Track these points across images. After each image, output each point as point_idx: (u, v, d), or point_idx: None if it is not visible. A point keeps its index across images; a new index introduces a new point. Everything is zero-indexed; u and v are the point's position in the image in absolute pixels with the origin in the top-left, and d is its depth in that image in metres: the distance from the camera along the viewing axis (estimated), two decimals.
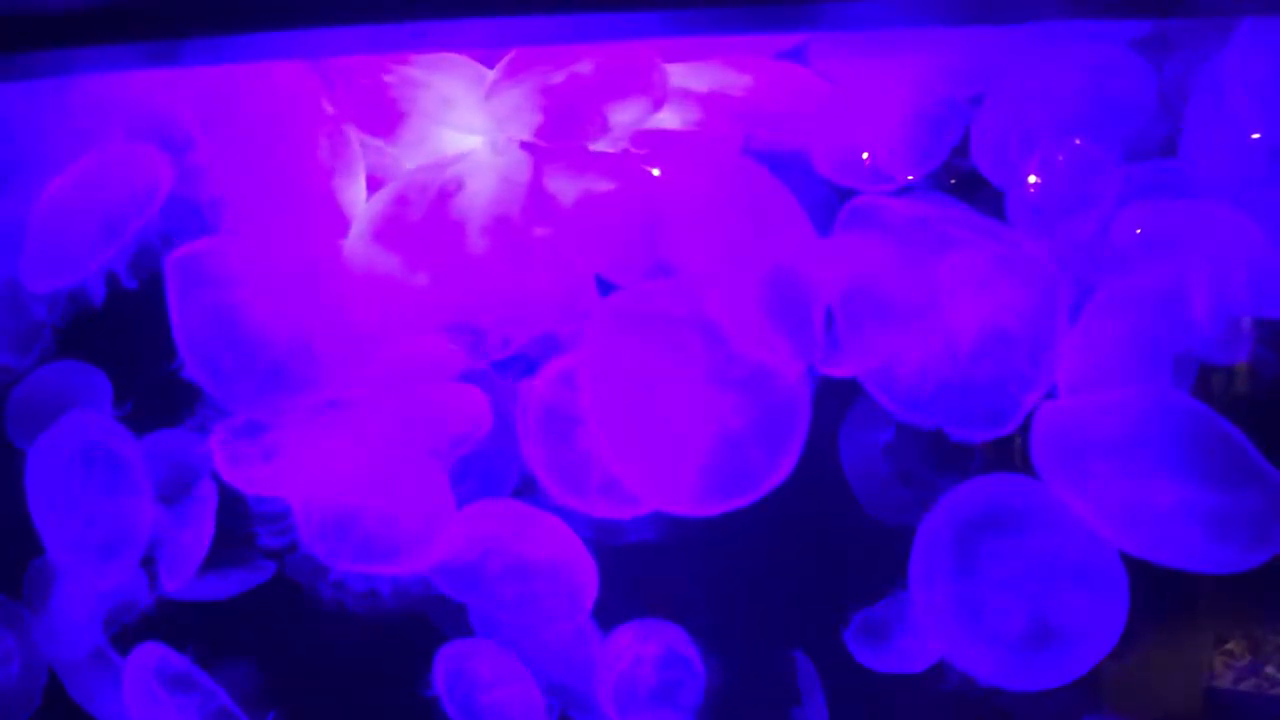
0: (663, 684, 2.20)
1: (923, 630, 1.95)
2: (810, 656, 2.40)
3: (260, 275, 2.01)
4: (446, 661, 2.25)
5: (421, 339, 2.07)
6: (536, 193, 2.04)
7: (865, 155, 2.10)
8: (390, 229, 2.05)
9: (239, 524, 2.18)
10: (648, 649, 2.20)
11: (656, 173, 2.06)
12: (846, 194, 2.04)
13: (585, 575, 2.12)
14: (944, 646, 1.92)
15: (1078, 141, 2.03)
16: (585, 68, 1.98)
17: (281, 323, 2.01)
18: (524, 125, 2.02)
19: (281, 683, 2.56)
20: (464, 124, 2.12)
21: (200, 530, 2.20)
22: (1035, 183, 2.03)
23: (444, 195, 2.03)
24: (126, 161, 2.05)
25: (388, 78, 2.12)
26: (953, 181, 2.13)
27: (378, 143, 2.19)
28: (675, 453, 1.92)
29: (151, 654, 2.25)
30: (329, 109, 2.13)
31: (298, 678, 2.57)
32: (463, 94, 2.10)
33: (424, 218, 2.05)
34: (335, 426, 2.03)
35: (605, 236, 2.02)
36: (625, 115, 2.01)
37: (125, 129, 2.12)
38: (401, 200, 2.06)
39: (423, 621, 2.28)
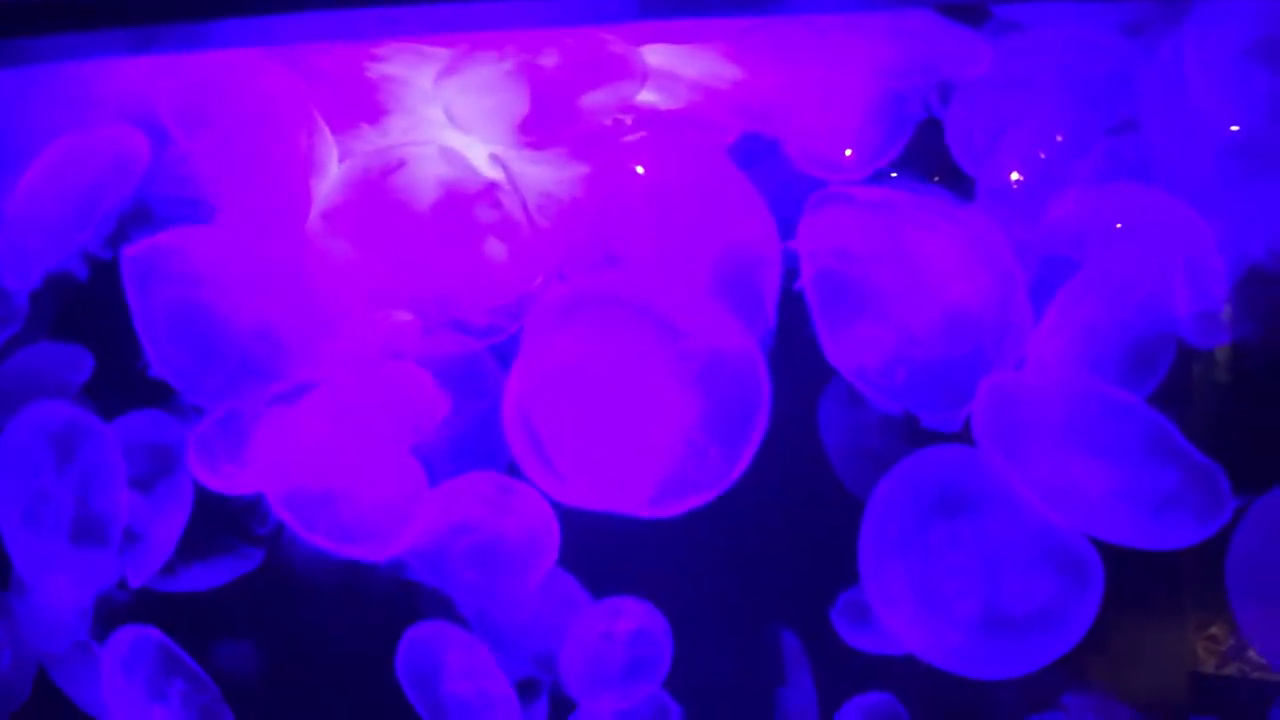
0: (633, 661, 2.21)
1: (880, 615, 1.95)
2: (796, 636, 2.40)
3: (220, 267, 2.02)
4: (412, 646, 2.26)
5: (381, 321, 2.08)
6: (484, 179, 2.05)
7: (848, 151, 2.09)
8: (338, 211, 2.06)
9: (223, 512, 2.20)
10: (620, 625, 2.20)
11: (640, 170, 2.05)
12: (815, 181, 2.04)
13: (548, 540, 2.11)
14: (902, 633, 1.92)
15: (1059, 139, 2.02)
16: (548, 56, 1.99)
17: (243, 314, 2.02)
18: (475, 111, 2.02)
19: (270, 670, 2.58)
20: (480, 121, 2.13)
21: (175, 515, 2.22)
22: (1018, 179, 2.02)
23: (386, 172, 2.03)
24: (102, 140, 2.06)
25: (369, 74, 2.13)
26: (936, 179, 2.13)
27: (361, 136, 2.21)
28: (627, 453, 1.91)
29: (131, 642, 2.26)
30: (308, 105, 2.14)
31: (287, 665, 2.59)
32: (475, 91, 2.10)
33: (368, 199, 2.05)
34: (302, 414, 2.04)
35: (557, 225, 2.02)
36: (590, 101, 2.02)
37: (107, 119, 2.14)
38: (347, 183, 2.06)
39: (414, 607, 2.29)
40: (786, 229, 2.02)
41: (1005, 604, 1.90)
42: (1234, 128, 1.92)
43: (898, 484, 1.94)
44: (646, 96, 2.09)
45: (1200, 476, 1.83)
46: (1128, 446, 1.85)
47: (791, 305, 1.97)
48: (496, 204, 2.01)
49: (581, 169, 2.05)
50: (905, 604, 1.91)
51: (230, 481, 2.13)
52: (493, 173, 2.03)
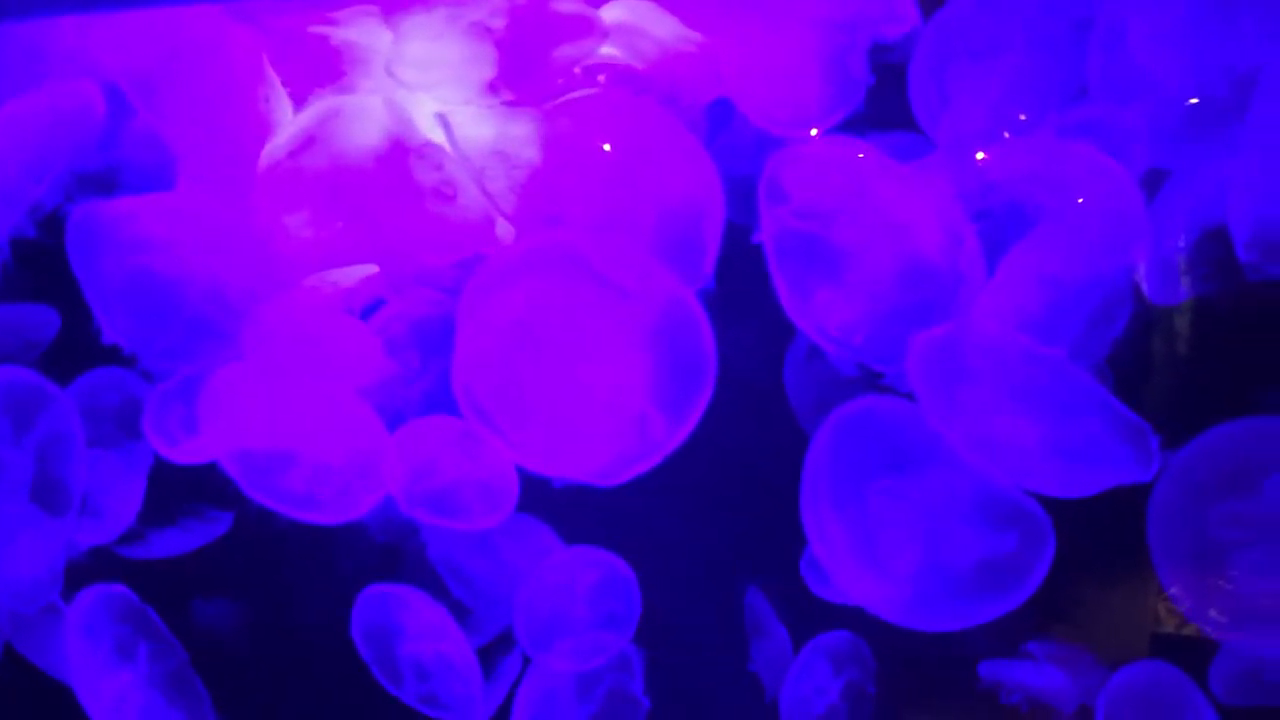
0: (596, 612, 2.21)
1: (825, 569, 1.96)
2: (766, 590, 2.41)
3: (172, 231, 2.02)
4: (366, 606, 2.26)
5: (338, 277, 2.08)
6: (427, 139, 2.05)
7: (814, 131, 2.10)
8: (282, 165, 2.05)
9: (188, 475, 2.20)
10: (582, 576, 2.21)
11: (607, 148, 2.05)
12: (773, 139, 2.05)
13: (507, 486, 2.11)
14: (848, 587, 1.93)
15: (1023, 117, 2.03)
16: (500, 14, 1.99)
17: (196, 277, 2.02)
18: (425, 69, 2.02)
19: (240, 635, 2.58)
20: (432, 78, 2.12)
21: (137, 478, 2.21)
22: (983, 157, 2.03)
23: (328, 123, 2.03)
24: (56, 94, 2.06)
25: (328, 39, 2.13)
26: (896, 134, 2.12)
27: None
28: (575, 422, 1.90)
29: (96, 605, 2.26)
30: (265, 66, 2.14)
31: (257, 631, 2.59)
32: (427, 48, 2.10)
33: (312, 153, 2.05)
34: (254, 378, 2.04)
35: (501, 186, 2.01)
36: (546, 58, 2.02)
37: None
38: (292, 137, 2.06)
39: (382, 564, 2.30)
40: (747, 187, 2.03)
41: (946, 559, 1.91)
42: (1192, 100, 1.94)
43: (832, 438, 1.94)
44: (609, 51, 2.09)
45: (1127, 431, 1.85)
46: (1053, 401, 1.86)
47: (749, 259, 1.98)
48: (438, 165, 2.01)
49: (532, 128, 2.05)
50: (847, 559, 1.92)
51: (189, 453, 2.13)
52: (436, 133, 2.04)
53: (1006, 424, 1.86)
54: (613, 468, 1.93)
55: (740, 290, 2.02)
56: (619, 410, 1.90)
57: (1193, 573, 1.94)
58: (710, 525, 2.47)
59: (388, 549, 2.25)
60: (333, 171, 2.04)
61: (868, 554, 1.92)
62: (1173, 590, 1.97)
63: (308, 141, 2.05)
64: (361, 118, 2.05)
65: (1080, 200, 1.93)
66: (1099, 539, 2.12)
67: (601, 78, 2.10)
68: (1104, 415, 1.85)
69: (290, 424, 2.05)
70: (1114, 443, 1.84)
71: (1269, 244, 1.86)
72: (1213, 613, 1.95)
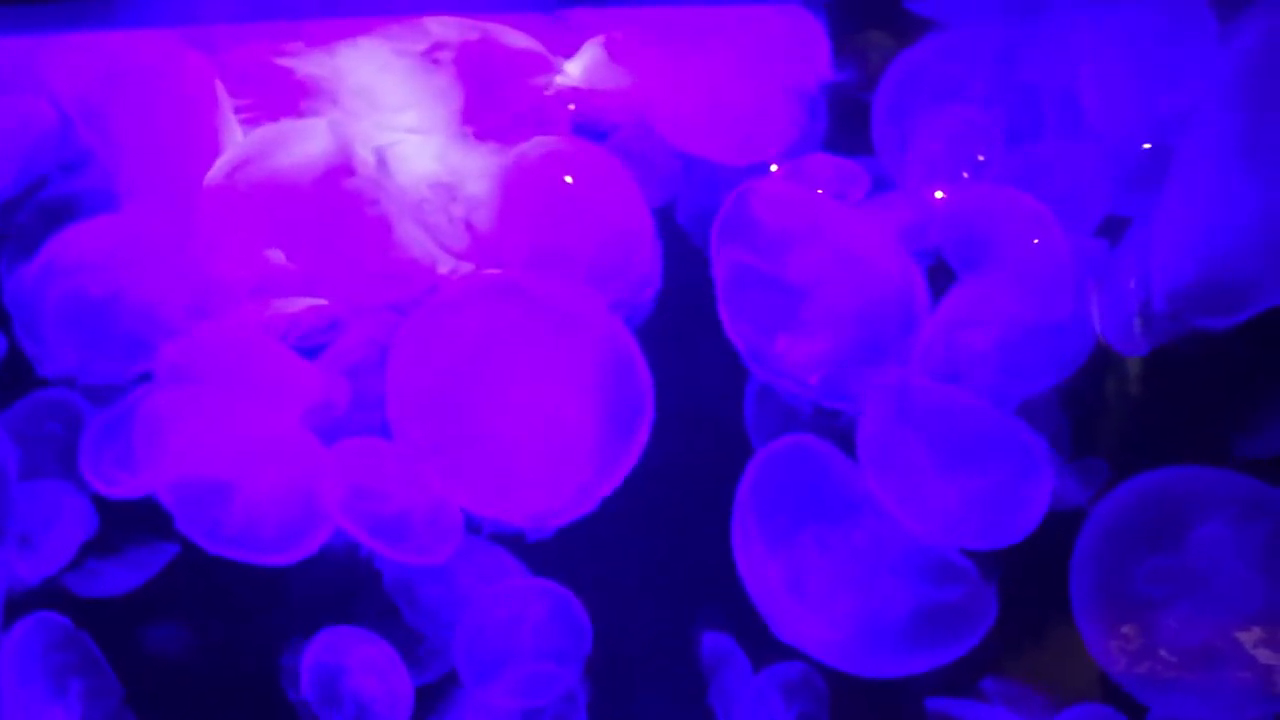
0: (544, 644, 2.18)
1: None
2: (725, 621, 2.40)
3: (109, 255, 1.99)
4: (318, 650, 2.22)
5: (281, 307, 2.06)
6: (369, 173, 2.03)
7: (774, 167, 2.11)
8: (220, 192, 2.03)
9: (132, 510, 2.16)
10: (531, 608, 2.18)
11: (570, 180, 2.04)
12: (735, 177, 2.06)
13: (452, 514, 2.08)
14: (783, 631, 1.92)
15: (981, 158, 2.04)
16: (448, 47, 1.98)
17: (134, 307, 1.99)
18: (373, 99, 2.01)
19: (184, 672, 2.53)
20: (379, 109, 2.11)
21: (79, 512, 2.17)
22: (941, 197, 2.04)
23: (272, 143, 2.01)
24: (7, 113, 2.04)
25: (284, 72, 2.11)
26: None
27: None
28: (502, 465, 1.88)
29: (32, 636, 2.21)
30: (217, 93, 2.12)
31: (201, 669, 2.54)
32: (375, 79, 2.09)
33: (254, 182, 2.02)
34: (189, 412, 2.01)
35: (441, 219, 2.01)
36: (496, 92, 2.02)
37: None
38: (230, 164, 2.03)
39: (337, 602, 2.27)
40: (702, 224, 2.04)
41: (879, 608, 1.91)
42: (1146, 145, 1.96)
43: (758, 478, 1.94)
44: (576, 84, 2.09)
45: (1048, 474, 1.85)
46: (982, 455, 1.86)
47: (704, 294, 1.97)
48: (373, 200, 2.00)
49: (479, 162, 2.04)
50: (781, 602, 1.91)
51: (128, 490, 2.10)
52: (375, 166, 2.02)
53: (937, 482, 1.87)
54: (544, 514, 1.92)
55: (696, 324, 2.02)
56: (551, 452, 1.89)
57: (1116, 630, 1.95)
58: (667, 555, 2.46)
59: (342, 578, 2.22)
60: (272, 198, 2.02)
61: (800, 598, 1.91)
62: (1095, 650, 1.97)
63: (246, 167, 2.03)
64: (305, 146, 2.03)
65: (1019, 248, 1.94)
66: (1042, 577, 2.13)
67: (572, 106, 2.10)
68: (1030, 463, 1.86)
69: (228, 456, 2.01)
70: (1038, 487, 1.85)
71: (1183, 295, 1.87)
72: (1139, 670, 1.96)
